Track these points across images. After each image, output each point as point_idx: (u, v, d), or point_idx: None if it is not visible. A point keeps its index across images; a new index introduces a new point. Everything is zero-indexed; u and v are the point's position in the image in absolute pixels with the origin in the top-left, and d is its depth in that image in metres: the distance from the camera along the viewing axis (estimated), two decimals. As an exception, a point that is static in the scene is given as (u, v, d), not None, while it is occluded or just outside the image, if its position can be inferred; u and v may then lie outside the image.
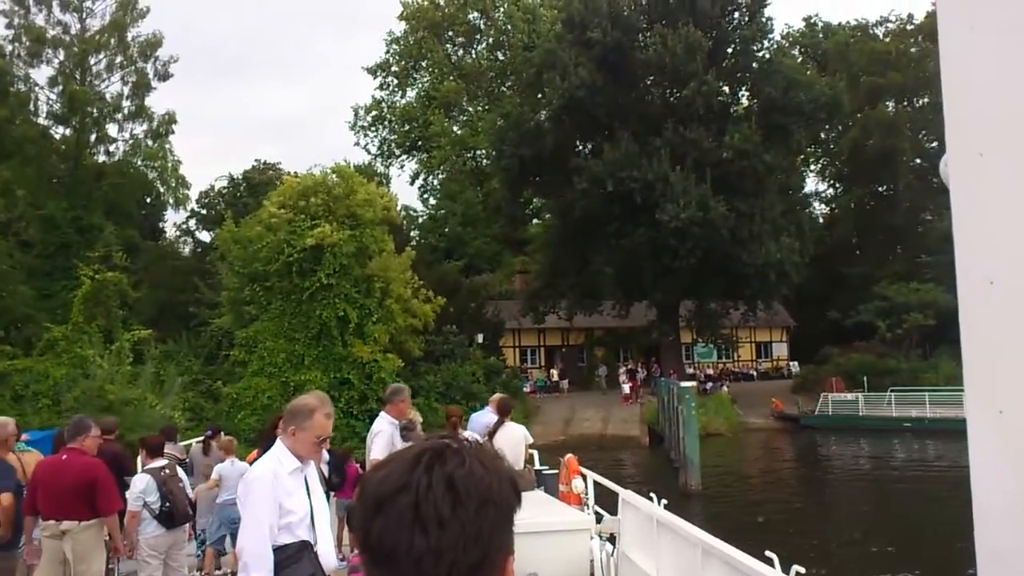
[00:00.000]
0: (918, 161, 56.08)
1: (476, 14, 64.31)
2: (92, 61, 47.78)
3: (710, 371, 50.63)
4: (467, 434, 8.23)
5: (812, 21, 61.70)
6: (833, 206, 59.50)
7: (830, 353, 46.92)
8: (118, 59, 47.88)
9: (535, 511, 7.14)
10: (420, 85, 66.54)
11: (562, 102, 36.69)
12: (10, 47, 45.85)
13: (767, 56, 38.20)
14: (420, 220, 59.07)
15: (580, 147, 39.30)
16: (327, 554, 4.22)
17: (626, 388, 40.47)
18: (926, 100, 55.37)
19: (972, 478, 1.29)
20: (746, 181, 36.54)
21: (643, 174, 35.04)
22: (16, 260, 41.96)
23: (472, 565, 1.04)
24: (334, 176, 31.99)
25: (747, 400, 41.60)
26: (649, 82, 39.00)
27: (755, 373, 52.87)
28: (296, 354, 29.98)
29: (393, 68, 65.94)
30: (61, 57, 47.10)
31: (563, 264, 41.97)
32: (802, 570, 4.43)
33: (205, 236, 50.30)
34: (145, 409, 23.39)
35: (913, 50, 56.28)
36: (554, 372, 46.09)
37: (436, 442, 1.11)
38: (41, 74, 48.28)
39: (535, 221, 63.53)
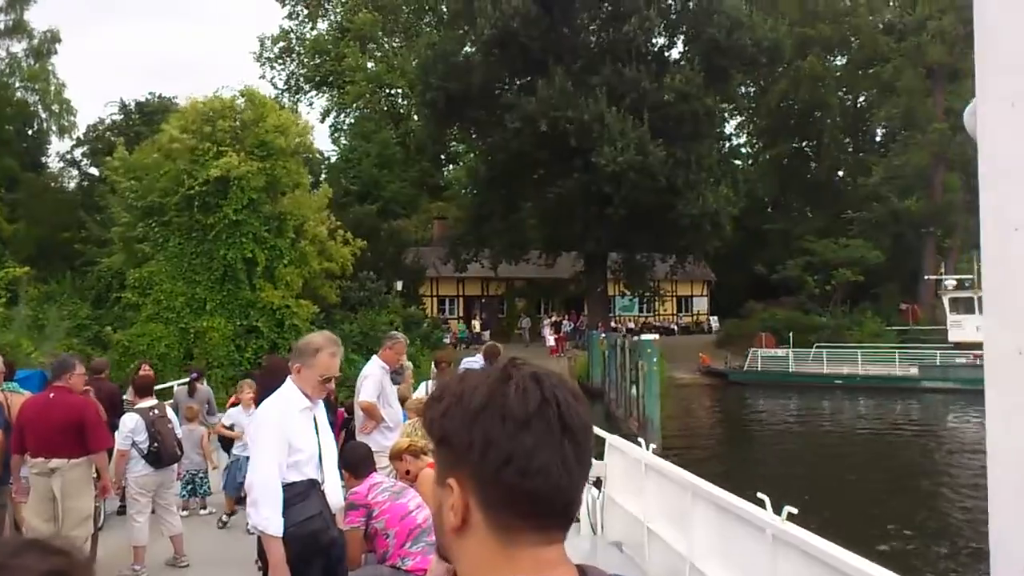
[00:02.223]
0: (838, 119, 55.87)
1: (394, -58, 60.41)
2: (-40, -34, 42.34)
3: (631, 325, 49.45)
4: None
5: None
6: (753, 160, 58.71)
7: (754, 308, 46.29)
8: (-8, -35, 42.55)
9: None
10: (332, 16, 62.42)
11: (493, 33, 34.00)
12: None
13: (706, -2, 36.25)
14: (331, 160, 55.46)
15: (511, 84, 36.73)
16: (334, 493, 4.32)
17: (551, 340, 38.74)
18: (847, 56, 55.00)
19: (988, 418, 1.31)
20: (684, 126, 34.85)
21: (579, 114, 32.87)
22: None
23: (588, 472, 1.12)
24: (243, 100, 28.61)
25: (671, 355, 40.32)
26: (586, 17, 36.62)
27: (676, 327, 51.93)
28: (197, 298, 26.81)
29: (304, -4, 61.50)
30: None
31: (488, 209, 39.64)
32: (794, 510, 4.32)
33: (95, 172, 45.75)
34: (19, 357, 20.08)
35: (842, 3, 55.60)
36: (475, 323, 43.97)
37: (515, 361, 1.14)
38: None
39: (452, 166, 61.05)
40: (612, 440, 8.04)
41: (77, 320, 28.43)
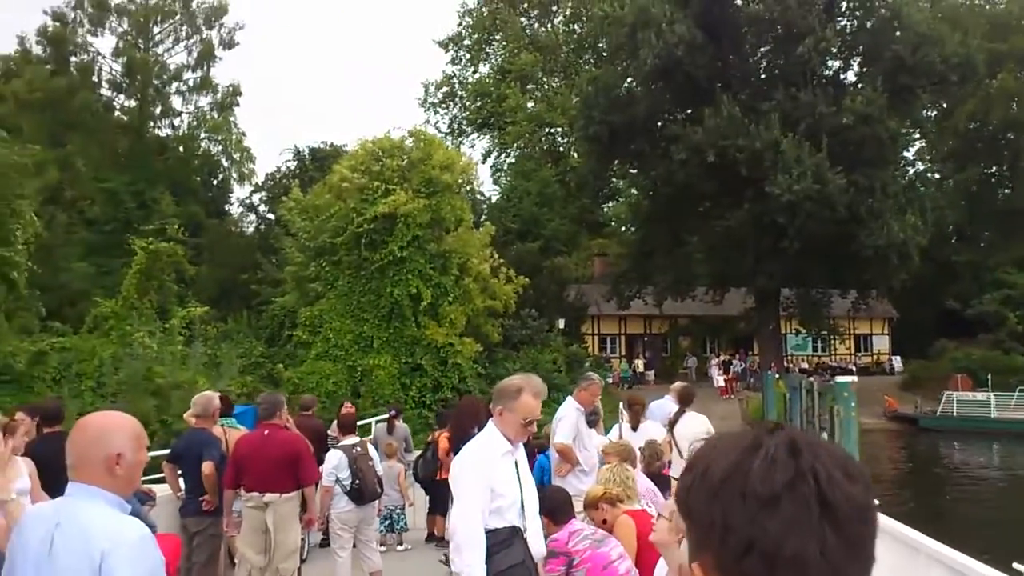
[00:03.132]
0: None
1: (553, -16, 60.94)
2: (156, 30, 45.78)
3: (804, 365, 46.55)
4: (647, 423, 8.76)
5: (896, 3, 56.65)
6: (937, 187, 54.47)
7: (944, 347, 42.50)
8: (183, 27, 45.76)
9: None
10: (493, 59, 63.45)
11: (657, 63, 32.95)
12: (72, 14, 44.04)
13: (887, 12, 33.77)
14: (492, 200, 55.91)
15: (676, 115, 35.49)
16: (536, 540, 4.22)
17: (720, 380, 36.79)
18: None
19: None
20: (866, 151, 32.41)
21: (750, 142, 31.18)
22: (76, 236, 40.19)
23: (872, 561, 0.93)
24: (410, 140, 28.93)
25: (853, 397, 37.53)
26: (756, 40, 35.02)
27: (854, 368, 48.35)
28: (364, 336, 27.05)
29: (465, 41, 62.95)
30: (125, 25, 45.17)
31: (652, 245, 38.36)
32: None
33: (271, 216, 48.03)
34: (195, 394, 20.64)
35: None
36: (639, 362, 42.57)
37: (771, 425, 0.99)
38: (104, 43, 46.52)
39: (611, 203, 60.20)
40: None
41: (252, 358, 29.29)
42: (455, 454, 8.29)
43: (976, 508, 21.12)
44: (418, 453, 11.08)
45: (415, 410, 25.37)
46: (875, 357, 50.22)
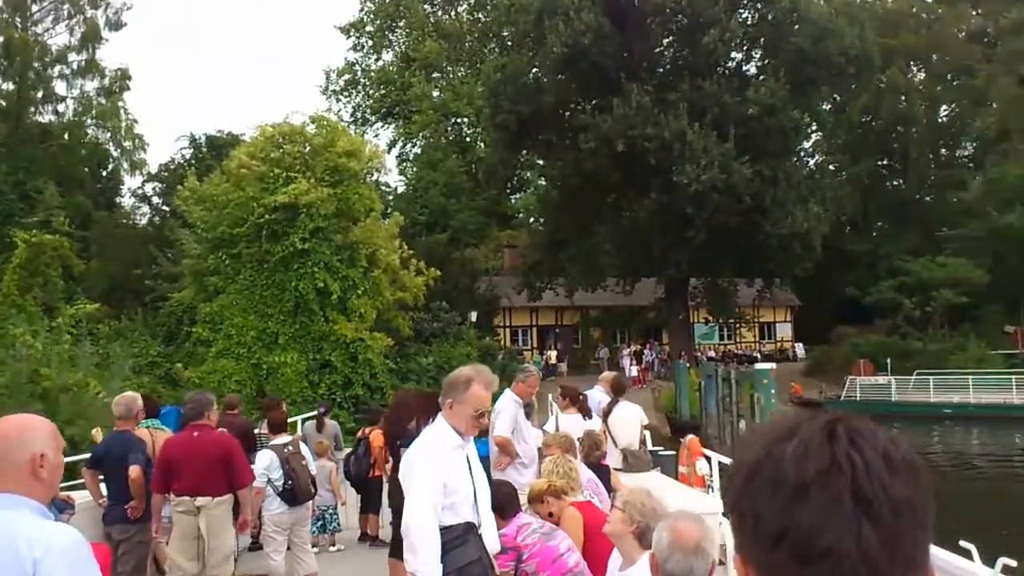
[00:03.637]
0: (923, 133, 53.06)
1: (458, -28, 60.17)
2: (35, 8, 42.94)
3: (711, 353, 47.31)
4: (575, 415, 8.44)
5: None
6: (837, 178, 56.15)
7: (845, 333, 43.74)
8: (64, 5, 43.04)
9: (659, 494, 5.84)
10: (397, 47, 62.24)
11: (565, 51, 32.66)
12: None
13: (788, 4, 34.31)
14: (399, 190, 54.83)
15: (584, 104, 35.26)
16: (491, 535, 4.14)
17: (633, 371, 36.85)
18: (931, 67, 52.37)
19: None
20: (770, 142, 32.94)
21: (658, 132, 31.23)
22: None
23: (919, 562, 0.86)
24: (313, 126, 27.74)
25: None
26: (662, 31, 35.09)
27: (759, 355, 49.42)
28: (269, 332, 25.77)
29: (368, 28, 61.52)
30: (-1, 3, 42.19)
31: (562, 236, 38.18)
32: (1012, 562, 3.88)
33: (167, 208, 45.70)
34: (85, 397, 19.21)
35: (924, 15, 53.19)
36: (551, 354, 42.33)
37: (817, 412, 0.94)
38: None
39: (519, 195, 59.91)
40: None
41: (148, 357, 27.67)
42: (391, 451, 7.98)
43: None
44: (348, 451, 10.82)
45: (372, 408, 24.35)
46: (779, 344, 51.42)
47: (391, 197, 51.06)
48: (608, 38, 33.05)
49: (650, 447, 9.85)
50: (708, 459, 9.50)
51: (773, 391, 13.93)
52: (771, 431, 0.91)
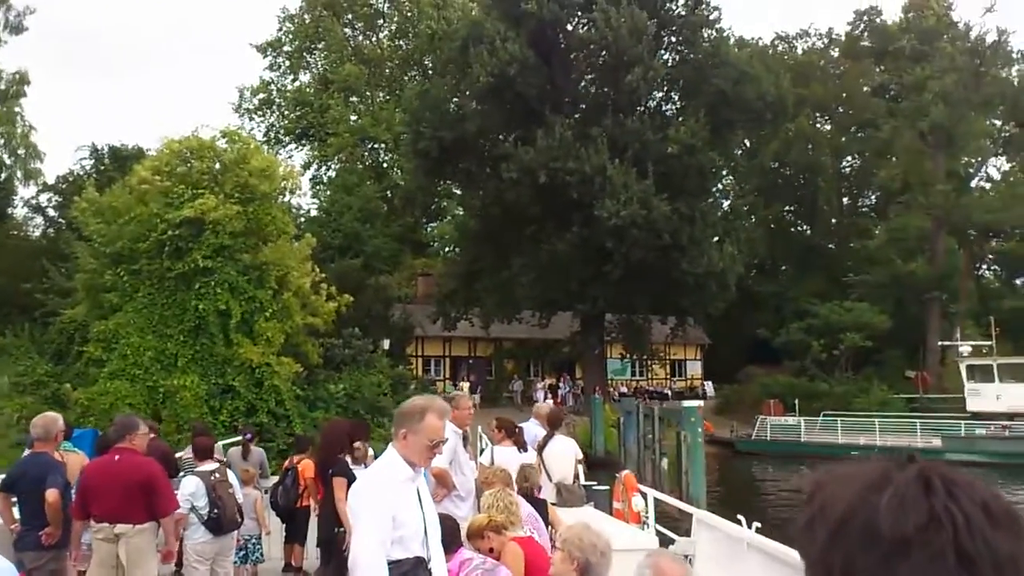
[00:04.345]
0: (830, 182, 54.89)
1: (380, -4, 59.61)
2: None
3: (624, 389, 47.28)
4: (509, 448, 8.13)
5: (726, 34, 59.88)
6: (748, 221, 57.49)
7: (754, 373, 44.39)
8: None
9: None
10: (315, 68, 61.09)
11: (491, 80, 32.38)
12: None
13: (709, 47, 34.98)
14: (311, 214, 53.40)
15: (506, 134, 35.00)
16: (440, 570, 4.00)
17: (548, 404, 36.29)
18: (838, 117, 54.33)
19: None
20: (688, 181, 33.29)
21: (580, 165, 31.16)
22: None
23: None
24: (223, 141, 26.53)
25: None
26: (586, 66, 35.22)
27: (670, 392, 49.74)
28: (168, 353, 24.26)
29: (285, 48, 60.25)
30: None
31: (479, 265, 37.64)
32: None
33: (63, 221, 43.28)
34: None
35: (831, 68, 55.21)
36: (464, 385, 41.47)
37: (906, 460, 0.88)
38: None
39: (435, 223, 59.24)
40: (701, 515, 7.58)
41: (34, 376, 25.75)
42: (322, 480, 7.65)
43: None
44: (276, 480, 10.50)
45: (226, 435, 22.95)
46: (688, 382, 51.79)
47: (303, 220, 49.70)
48: (533, 70, 32.96)
49: (584, 482, 9.66)
50: (644, 495, 9.40)
51: (700, 429, 13.58)
52: (859, 478, 0.83)
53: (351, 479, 7.41)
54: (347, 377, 28.48)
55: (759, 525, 6.79)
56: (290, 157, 62.63)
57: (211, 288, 24.15)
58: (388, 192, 54.01)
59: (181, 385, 23.41)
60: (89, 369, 24.97)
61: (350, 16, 61.57)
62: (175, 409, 23.22)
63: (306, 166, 58.47)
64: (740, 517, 7.08)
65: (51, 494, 6.37)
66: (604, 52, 33.72)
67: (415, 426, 3.76)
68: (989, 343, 34.64)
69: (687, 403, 15.85)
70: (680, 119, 34.09)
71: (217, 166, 26.07)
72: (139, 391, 23.56)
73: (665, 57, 36.85)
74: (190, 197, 24.21)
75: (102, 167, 40.22)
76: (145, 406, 22.92)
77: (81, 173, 41.27)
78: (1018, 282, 54.61)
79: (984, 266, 56.49)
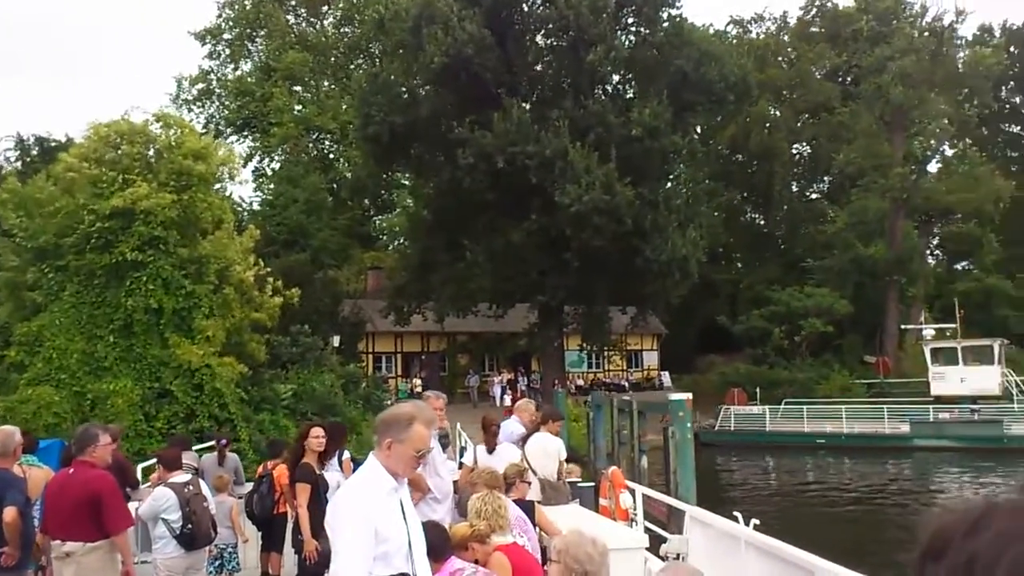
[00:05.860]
0: (786, 166, 54.42)
1: (324, -19, 57.50)
2: None
3: (580, 382, 46.20)
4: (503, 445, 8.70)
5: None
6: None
7: (713, 362, 43.61)
8: None
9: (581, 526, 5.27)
10: (257, 57, 58.72)
11: (445, 60, 30.79)
12: None
13: (672, 27, 33.82)
14: (254, 206, 51.21)
15: (462, 118, 33.45)
16: None
17: (507, 400, 35.02)
18: (795, 102, 53.86)
19: None
20: (651, 165, 32.17)
21: (540, 149, 29.79)
22: None
23: None
24: (157, 126, 24.56)
25: (631, 414, 37.13)
26: (544, 46, 33.83)
27: (627, 384, 48.75)
28: (97, 356, 22.30)
29: (225, 35, 57.80)
30: None
31: (432, 257, 36.08)
32: None
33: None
34: None
35: (788, 51, 54.81)
36: (416, 381, 39.96)
37: None
38: None
39: (384, 216, 57.49)
40: (694, 512, 7.56)
41: (-52, 383, 23.54)
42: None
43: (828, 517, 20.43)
44: (251, 487, 10.16)
45: (162, 444, 21.10)
46: (645, 372, 50.90)
47: (246, 213, 47.53)
48: (489, 50, 31.48)
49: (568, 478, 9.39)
50: (632, 492, 9.31)
51: (689, 425, 12.42)
52: (1008, 515, 0.72)
53: (314, 483, 7.23)
54: (295, 376, 26.82)
55: (757, 522, 6.57)
56: (231, 149, 60.29)
57: (142, 284, 22.23)
58: (335, 184, 52.10)
59: (112, 390, 21.47)
60: (10, 374, 22.87)
61: (293, 2, 59.43)
62: (106, 417, 21.16)
63: (248, 158, 56.15)
64: (737, 514, 6.93)
65: (8, 512, 6.12)
66: (564, 31, 32.38)
67: (401, 435, 3.54)
68: (953, 326, 34.22)
69: (674, 396, 14.63)
70: (643, 101, 32.88)
71: (151, 152, 24.15)
72: (65, 398, 21.53)
73: (627, 38, 35.65)
74: (120, 185, 22.28)
75: (28, 159, 37.70)
76: (72, 414, 20.97)
77: (3, 163, 38.71)
78: (959, 266, 54.94)
79: (932, 250, 56.66)
